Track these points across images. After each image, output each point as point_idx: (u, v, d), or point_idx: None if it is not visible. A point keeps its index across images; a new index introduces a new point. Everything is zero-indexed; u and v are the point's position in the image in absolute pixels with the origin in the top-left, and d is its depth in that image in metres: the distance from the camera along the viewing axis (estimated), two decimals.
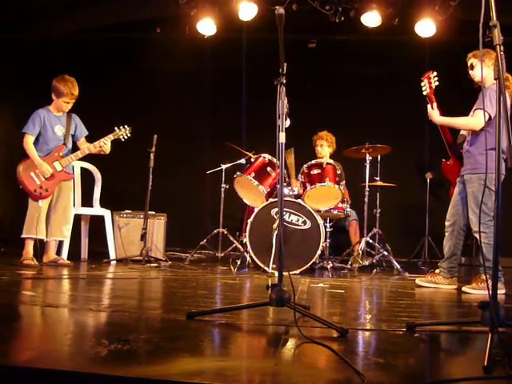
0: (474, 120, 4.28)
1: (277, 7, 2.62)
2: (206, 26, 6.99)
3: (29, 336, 2.32)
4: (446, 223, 4.57)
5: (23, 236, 5.27)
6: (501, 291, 4.10)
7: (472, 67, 4.40)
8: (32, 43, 7.51)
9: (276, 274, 4.91)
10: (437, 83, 4.53)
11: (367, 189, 6.03)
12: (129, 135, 5.69)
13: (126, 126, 5.68)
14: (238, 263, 5.56)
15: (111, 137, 5.57)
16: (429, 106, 4.52)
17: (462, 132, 4.67)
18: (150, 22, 7.43)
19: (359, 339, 2.45)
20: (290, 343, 2.27)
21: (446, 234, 4.57)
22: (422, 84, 4.56)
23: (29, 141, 5.33)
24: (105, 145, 5.48)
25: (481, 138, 4.30)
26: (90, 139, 5.60)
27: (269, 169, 5.69)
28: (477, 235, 4.28)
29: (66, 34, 7.56)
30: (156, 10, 7.37)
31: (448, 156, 4.71)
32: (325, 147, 6.52)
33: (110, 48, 7.72)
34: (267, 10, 6.50)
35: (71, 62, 6.77)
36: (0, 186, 7.70)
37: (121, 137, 5.66)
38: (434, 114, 4.49)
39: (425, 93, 4.55)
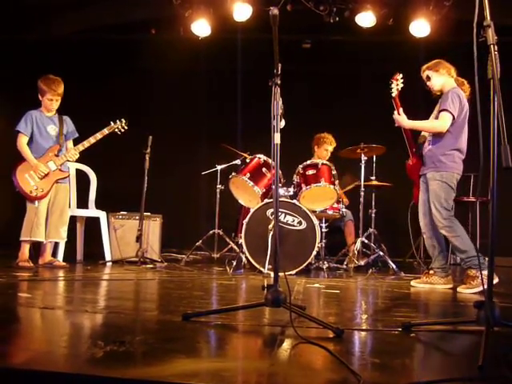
0: (440, 123, 4.46)
1: (271, 8, 2.62)
2: (201, 27, 6.99)
3: (25, 338, 2.32)
4: (421, 224, 4.64)
5: (22, 239, 5.26)
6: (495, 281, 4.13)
7: (428, 78, 4.65)
8: (29, 44, 7.50)
9: (272, 274, 4.96)
10: (401, 85, 4.63)
11: (362, 189, 6.04)
12: (125, 128, 5.69)
13: (122, 120, 5.68)
14: (234, 264, 5.55)
15: (106, 131, 5.56)
16: (395, 111, 4.62)
17: (422, 133, 4.82)
18: (145, 23, 7.42)
19: (355, 339, 2.45)
20: (286, 344, 2.28)
21: (424, 236, 4.64)
22: (391, 86, 4.66)
23: (22, 141, 5.33)
24: (95, 139, 5.47)
25: (443, 139, 4.49)
26: (86, 138, 5.57)
27: (264, 169, 5.69)
28: (443, 231, 4.44)
29: (61, 35, 7.55)
30: (151, 10, 7.37)
31: (408, 156, 4.80)
32: (329, 151, 6.55)
33: (105, 49, 7.71)
34: (261, 10, 6.50)
35: (67, 63, 6.78)
36: None
37: (116, 130, 5.65)
38: (402, 118, 4.65)
39: (393, 94, 4.65)
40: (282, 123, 2.75)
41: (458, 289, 4.35)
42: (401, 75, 4.67)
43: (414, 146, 4.74)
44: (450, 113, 4.37)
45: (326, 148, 6.58)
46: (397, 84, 4.66)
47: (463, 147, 4.49)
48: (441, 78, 4.57)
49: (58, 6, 6.86)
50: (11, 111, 7.28)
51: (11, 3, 6.57)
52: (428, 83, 4.65)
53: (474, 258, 4.26)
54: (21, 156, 5.33)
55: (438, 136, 4.52)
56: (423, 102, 5.04)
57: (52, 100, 5.41)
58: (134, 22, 7.42)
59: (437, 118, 4.51)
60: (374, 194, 6.38)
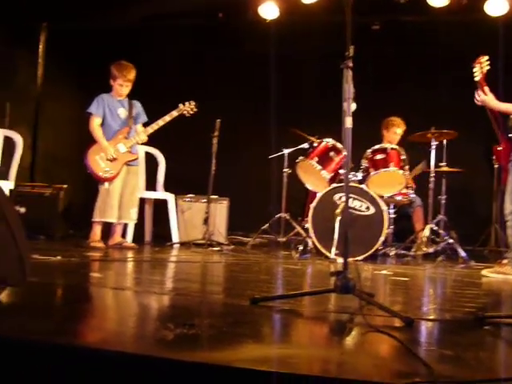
0: None
1: None
2: (269, 10, 6.95)
3: (97, 317, 2.37)
4: (506, 211, 4.44)
5: (94, 219, 5.40)
6: None
7: None
8: (99, 30, 7.65)
9: (338, 260, 4.92)
10: (488, 67, 4.43)
11: (432, 174, 5.89)
12: (195, 110, 5.70)
13: (190, 102, 5.70)
14: (300, 248, 5.53)
15: (174, 113, 5.60)
16: (481, 92, 4.43)
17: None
18: (213, 7, 7.42)
19: (425, 330, 2.39)
20: (355, 332, 2.24)
21: (508, 223, 4.43)
22: (474, 70, 4.47)
23: (95, 123, 5.45)
24: (164, 122, 5.52)
25: None
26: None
27: (332, 154, 5.63)
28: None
29: (130, 22, 7.66)
30: None
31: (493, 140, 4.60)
32: (399, 134, 6.40)
33: (173, 34, 7.77)
34: None
35: (134, 50, 6.86)
36: (69, 170, 7.91)
37: (185, 112, 5.66)
38: (490, 98, 4.43)
39: (477, 78, 4.46)
40: (354, 107, 2.69)
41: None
42: (486, 57, 4.48)
43: (504, 130, 4.55)
44: None
45: (395, 131, 6.43)
46: (481, 67, 4.48)
47: None
48: None
49: None
50: (82, 97, 7.48)
51: None
52: None
53: None
54: (92, 139, 5.46)
55: None
56: (502, 84, 4.83)
57: (122, 85, 5.49)
58: (200, 7, 7.44)
59: None
60: (444, 180, 6.21)
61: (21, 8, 6.94)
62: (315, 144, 5.78)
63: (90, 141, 5.47)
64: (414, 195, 5.95)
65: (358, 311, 2.39)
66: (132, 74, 5.48)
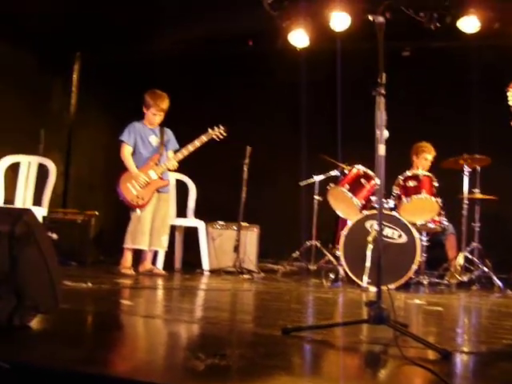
0: None
1: (373, 16, 2.56)
2: (299, 38, 6.97)
3: (127, 346, 2.36)
4: None
5: (125, 246, 5.41)
6: None
7: None
8: (127, 60, 7.77)
9: (370, 288, 4.85)
10: None
11: (465, 201, 5.79)
12: (224, 134, 5.71)
13: (219, 126, 5.72)
14: (331, 276, 5.47)
15: (204, 138, 5.62)
16: None
17: None
18: (242, 35, 7.49)
19: (460, 362, 2.32)
20: (390, 364, 2.19)
21: None
22: (508, 94, 4.40)
23: (126, 151, 5.50)
24: (194, 147, 5.54)
25: None
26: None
27: (363, 181, 5.59)
28: None
29: (161, 49, 7.75)
30: (248, 23, 7.42)
31: None
32: (430, 160, 6.33)
33: (203, 62, 7.86)
34: (360, 19, 6.39)
35: (165, 77, 6.94)
36: (101, 197, 7.99)
37: (214, 136, 5.68)
38: None
39: (510, 103, 4.38)
40: (386, 134, 2.66)
41: None
42: None
43: None
44: None
45: (425, 157, 6.37)
46: None
47: None
48: None
49: (159, 20, 7.04)
50: (114, 125, 7.59)
51: (115, 19, 6.81)
52: None
53: None
54: (124, 166, 5.51)
55: None
56: None
57: (156, 115, 5.54)
58: (230, 35, 7.51)
59: None
60: (477, 207, 6.10)
61: (56, 38, 7.09)
62: (346, 171, 5.75)
63: (122, 168, 5.51)
64: (446, 222, 5.85)
65: (392, 342, 2.34)
66: (165, 104, 5.53)
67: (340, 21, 6.60)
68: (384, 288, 2.60)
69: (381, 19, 2.47)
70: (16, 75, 6.86)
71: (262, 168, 6.69)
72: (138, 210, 5.41)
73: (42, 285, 2.42)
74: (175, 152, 5.66)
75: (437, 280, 5.87)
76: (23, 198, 5.93)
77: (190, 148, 5.56)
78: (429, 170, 6.08)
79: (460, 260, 5.74)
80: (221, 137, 5.69)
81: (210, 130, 5.68)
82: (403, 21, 6.49)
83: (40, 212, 5.56)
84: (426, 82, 7.58)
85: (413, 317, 3.72)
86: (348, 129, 7.16)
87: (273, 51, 7.32)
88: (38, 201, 5.90)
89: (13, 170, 5.99)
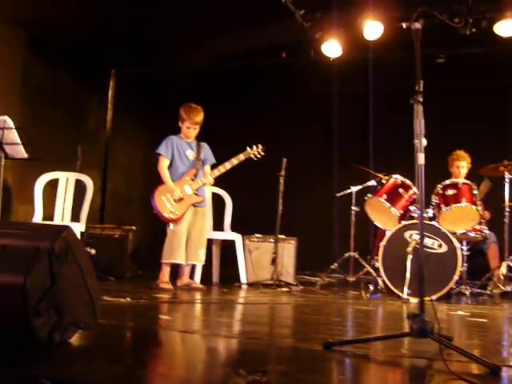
0: None
1: (409, 23, 2.52)
2: (332, 48, 6.93)
3: (166, 363, 2.34)
4: None
5: (163, 261, 5.42)
6: None
7: None
8: (162, 75, 7.86)
9: (411, 300, 4.76)
10: None
11: (507, 209, 5.66)
12: (262, 154, 5.69)
13: (258, 145, 5.70)
14: (371, 288, 5.39)
15: (242, 156, 5.60)
16: None
17: None
18: (275, 47, 7.49)
19: (507, 377, 2.23)
20: (436, 379, 2.12)
21: None
22: None
23: (163, 164, 5.51)
24: (231, 165, 5.53)
25: None
26: (222, 163, 5.67)
27: (401, 190, 5.52)
28: None
29: (194, 65, 7.81)
30: (281, 35, 7.42)
31: None
32: (464, 168, 6.22)
33: (236, 75, 7.89)
34: (393, 27, 6.33)
35: (200, 91, 6.97)
36: (138, 212, 8.06)
37: (252, 156, 5.66)
38: None
39: None
40: (424, 142, 2.61)
41: None
42: None
43: None
44: None
45: (457, 165, 6.26)
46: None
47: None
48: None
49: (187, 37, 7.09)
50: (150, 140, 7.66)
51: (148, 36, 6.88)
52: None
53: None
54: (159, 179, 5.52)
55: None
56: None
57: (190, 128, 5.54)
58: (264, 48, 7.52)
59: None
60: None
61: (90, 56, 7.20)
62: (383, 181, 5.69)
63: (158, 182, 5.53)
64: (488, 231, 5.72)
65: (437, 356, 2.27)
66: (199, 117, 5.53)
67: (373, 30, 6.54)
68: (427, 299, 2.53)
69: (417, 25, 2.43)
70: (53, 93, 6.99)
71: (298, 180, 6.66)
72: (171, 225, 5.42)
73: (81, 301, 2.43)
74: (212, 167, 5.65)
75: (479, 290, 5.73)
76: (62, 214, 6.01)
77: (228, 165, 5.54)
78: (469, 178, 5.96)
79: (503, 269, 5.60)
80: (258, 156, 5.66)
81: (248, 149, 5.65)
82: (437, 27, 6.40)
83: (78, 228, 5.61)
84: (462, 88, 7.49)
85: (456, 329, 3.63)
86: (381, 138, 7.10)
87: (306, 62, 7.31)
88: (76, 216, 5.97)
89: (51, 186, 6.08)
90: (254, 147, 5.66)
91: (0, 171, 5.06)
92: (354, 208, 6.48)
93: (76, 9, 6.14)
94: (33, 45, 6.56)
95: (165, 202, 5.40)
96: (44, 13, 6.14)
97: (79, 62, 7.16)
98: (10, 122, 4.94)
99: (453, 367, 2.19)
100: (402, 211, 5.47)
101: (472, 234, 5.54)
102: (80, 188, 6.13)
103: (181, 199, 5.43)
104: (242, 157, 5.59)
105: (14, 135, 5.00)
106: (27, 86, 6.57)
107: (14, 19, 6.26)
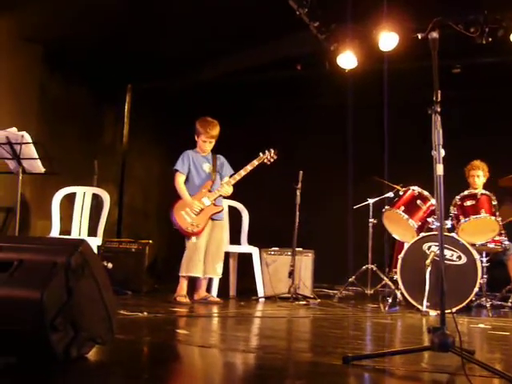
0: None
1: (426, 33, 2.51)
2: (347, 60, 6.92)
3: (183, 378, 2.32)
4: None
5: (181, 274, 5.40)
6: None
7: None
8: (178, 89, 7.90)
9: (430, 312, 4.70)
10: None
11: None
12: (275, 157, 5.68)
13: (270, 149, 5.70)
14: (389, 301, 5.33)
15: (255, 162, 5.60)
16: None
17: None
18: (290, 60, 7.50)
19: None
20: None
21: None
22: None
23: (180, 180, 5.52)
24: (246, 171, 5.53)
25: None
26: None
27: (419, 202, 5.46)
28: None
29: (211, 78, 7.84)
30: (296, 47, 7.43)
31: None
32: (481, 177, 6.15)
33: (252, 88, 7.91)
34: (408, 38, 6.30)
35: (216, 104, 7.00)
36: (154, 225, 8.08)
37: (266, 161, 5.66)
38: None
39: None
40: (442, 153, 2.58)
41: None
42: None
43: None
44: None
45: (472, 174, 6.19)
46: None
47: None
48: None
49: (209, 50, 7.12)
50: (166, 154, 7.69)
51: (164, 50, 6.92)
52: None
53: None
54: (176, 194, 5.53)
55: None
56: None
57: (206, 142, 5.55)
58: (279, 60, 7.53)
59: None
60: None
61: (107, 71, 7.26)
62: (401, 192, 5.64)
63: (174, 196, 5.53)
64: (507, 242, 5.65)
65: (459, 371, 2.22)
66: (215, 131, 5.54)
67: (388, 41, 6.52)
68: (448, 312, 2.49)
69: (434, 35, 2.41)
70: (70, 108, 7.06)
71: (314, 192, 6.63)
72: (193, 238, 5.41)
73: (98, 316, 2.42)
74: (230, 177, 5.66)
75: (500, 302, 5.66)
76: (79, 229, 6.03)
77: (242, 173, 5.56)
78: (488, 189, 5.89)
79: None
80: (271, 160, 5.68)
81: (261, 154, 5.67)
82: (453, 37, 6.36)
83: (95, 242, 5.63)
84: (478, 98, 7.43)
85: (477, 342, 3.57)
86: (396, 149, 7.06)
87: (321, 74, 7.30)
88: (93, 230, 5.98)
89: (68, 200, 6.10)
90: (267, 152, 5.68)
91: (18, 186, 5.10)
92: (371, 220, 6.44)
93: (92, 26, 6.20)
94: (49, 61, 6.63)
95: (185, 217, 5.40)
96: (61, 30, 6.21)
97: (95, 77, 7.23)
98: (27, 137, 4.98)
99: (475, 382, 2.15)
100: (419, 223, 5.42)
101: (491, 245, 5.47)
102: (97, 202, 6.15)
103: (200, 211, 5.42)
104: (255, 162, 5.60)
105: (31, 150, 5.04)
106: (44, 101, 6.63)
107: (32, 37, 6.34)
